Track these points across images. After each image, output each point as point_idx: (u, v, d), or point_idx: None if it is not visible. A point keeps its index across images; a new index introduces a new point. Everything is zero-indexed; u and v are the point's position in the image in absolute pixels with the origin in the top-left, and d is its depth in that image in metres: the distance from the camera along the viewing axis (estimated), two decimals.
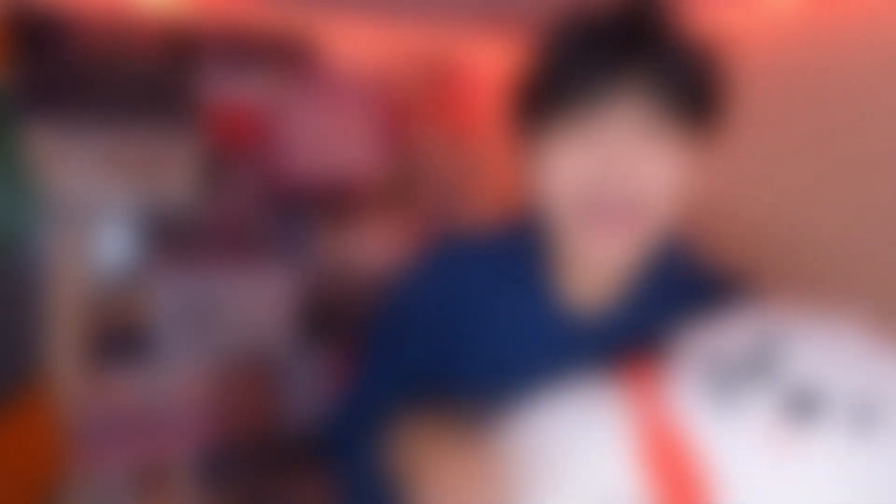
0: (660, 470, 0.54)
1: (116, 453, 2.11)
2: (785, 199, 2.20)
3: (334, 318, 2.43)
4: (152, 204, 2.17)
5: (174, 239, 2.20)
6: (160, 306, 2.18)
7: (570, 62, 0.65)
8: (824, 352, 0.54)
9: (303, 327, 2.40)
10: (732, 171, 2.31)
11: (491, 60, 2.65)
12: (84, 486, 2.03)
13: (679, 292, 0.67)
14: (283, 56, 2.37)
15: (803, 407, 0.51)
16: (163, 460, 2.18)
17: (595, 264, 0.72)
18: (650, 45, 0.64)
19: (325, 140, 2.44)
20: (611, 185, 0.65)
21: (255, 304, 2.33)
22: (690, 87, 0.65)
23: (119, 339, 2.12)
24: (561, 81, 0.65)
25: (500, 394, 0.65)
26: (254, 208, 2.33)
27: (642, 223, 0.67)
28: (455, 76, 2.64)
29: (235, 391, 2.29)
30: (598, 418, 0.59)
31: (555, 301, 0.74)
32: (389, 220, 2.53)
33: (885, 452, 0.50)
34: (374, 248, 2.49)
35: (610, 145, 0.65)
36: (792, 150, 2.23)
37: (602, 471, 0.56)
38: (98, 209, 2.09)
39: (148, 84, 2.16)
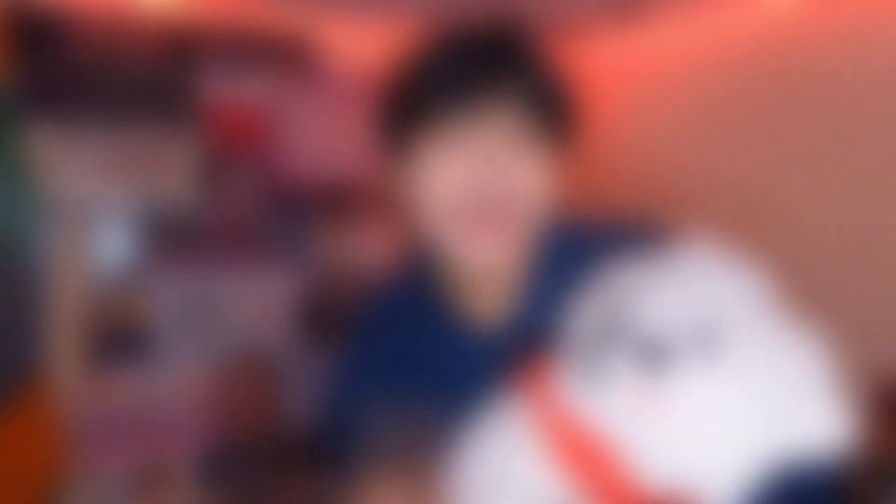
0: (571, 463, 0.57)
1: (116, 453, 2.11)
2: (792, 193, 2.21)
3: (334, 318, 2.43)
4: (152, 204, 2.17)
5: (174, 239, 2.20)
6: (160, 306, 2.18)
7: (442, 73, 0.71)
8: (666, 296, 0.57)
9: (303, 327, 2.40)
10: (739, 169, 2.31)
11: None
12: (84, 486, 2.03)
13: (577, 272, 0.68)
14: (283, 56, 2.37)
15: (655, 356, 0.54)
16: (163, 460, 2.18)
17: (483, 271, 0.75)
18: (514, 65, 0.72)
19: (325, 140, 2.44)
20: (484, 189, 0.69)
21: (255, 304, 2.33)
22: (548, 105, 0.73)
23: (119, 339, 2.12)
24: (431, 91, 0.71)
25: (437, 432, 0.67)
26: (254, 208, 2.33)
27: (517, 223, 0.71)
28: None
29: (235, 391, 2.29)
30: (510, 428, 0.62)
31: (459, 324, 0.77)
32: (389, 221, 2.53)
33: (733, 371, 0.54)
34: (373, 249, 2.49)
35: (481, 153, 0.70)
36: (797, 150, 2.23)
37: (526, 480, 0.59)
38: (98, 209, 2.09)
39: (148, 84, 2.16)
